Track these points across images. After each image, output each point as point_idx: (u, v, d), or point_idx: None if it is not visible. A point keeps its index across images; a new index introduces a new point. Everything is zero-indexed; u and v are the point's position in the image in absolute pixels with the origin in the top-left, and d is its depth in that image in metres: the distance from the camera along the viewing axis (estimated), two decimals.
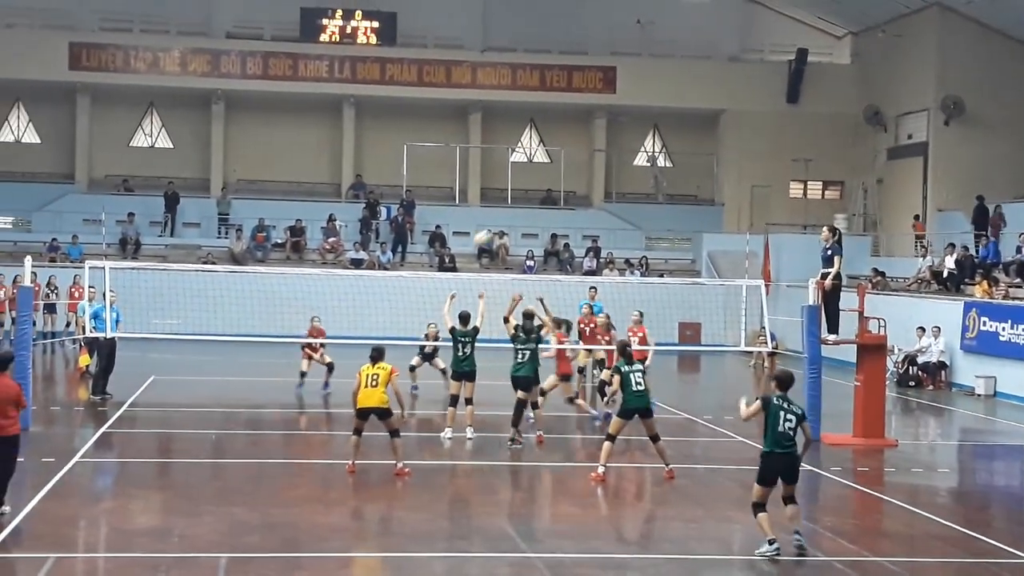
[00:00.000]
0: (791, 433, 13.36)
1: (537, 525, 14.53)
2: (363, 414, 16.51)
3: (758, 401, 13.66)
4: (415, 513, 14.94)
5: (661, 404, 24.70)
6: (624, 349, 17.68)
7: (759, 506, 13.37)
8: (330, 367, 25.41)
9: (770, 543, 13.18)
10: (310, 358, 25.62)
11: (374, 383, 16.38)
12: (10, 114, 44.55)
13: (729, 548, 14.16)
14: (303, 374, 25.59)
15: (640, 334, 23.23)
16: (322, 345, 25.75)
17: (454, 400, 20.04)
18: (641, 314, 23.79)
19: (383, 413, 16.45)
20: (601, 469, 17.07)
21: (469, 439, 19.81)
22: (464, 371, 19.95)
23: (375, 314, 29.35)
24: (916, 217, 41.31)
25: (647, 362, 21.74)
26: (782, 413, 13.38)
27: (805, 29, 47.43)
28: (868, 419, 21.21)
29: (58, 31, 43.01)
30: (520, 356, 19.82)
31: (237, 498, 15.31)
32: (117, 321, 23.78)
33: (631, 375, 17.05)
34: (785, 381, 13.74)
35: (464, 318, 20.08)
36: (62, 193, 43.05)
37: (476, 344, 19.88)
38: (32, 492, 15.00)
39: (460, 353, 19.97)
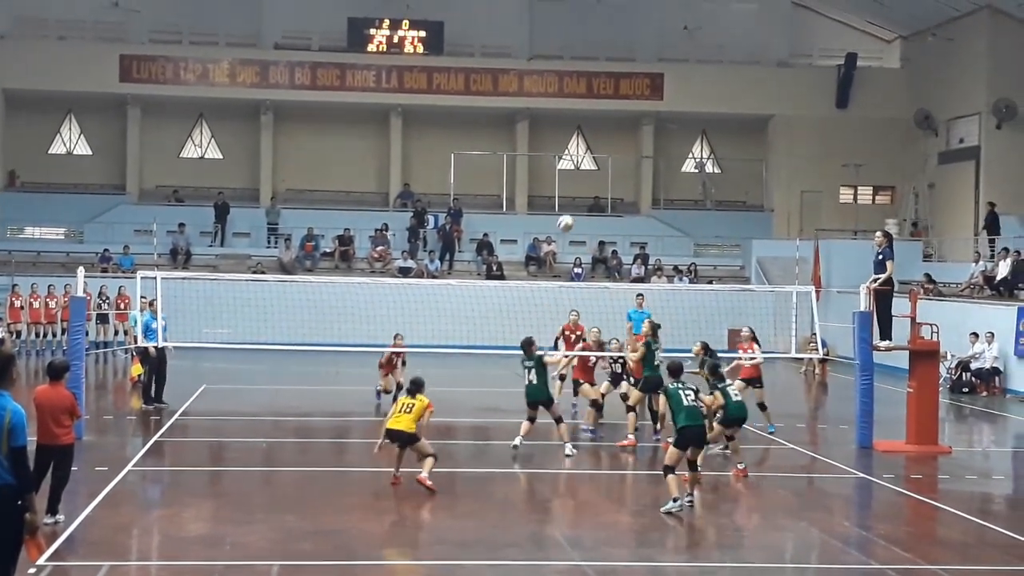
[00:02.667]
0: (696, 404, 15.52)
1: (587, 532, 14.47)
2: (390, 435, 16.48)
3: (661, 394, 15.87)
4: (465, 521, 14.93)
5: None
6: (715, 369, 18.16)
7: (670, 469, 15.15)
8: (399, 385, 23.70)
9: (674, 500, 15.09)
10: (387, 374, 24.39)
11: (407, 411, 16.34)
12: (62, 126, 45.10)
13: (781, 556, 14.05)
14: (381, 392, 24.56)
15: (750, 351, 22.68)
16: (403, 363, 24.37)
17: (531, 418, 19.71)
18: (752, 330, 23.18)
19: (408, 438, 16.32)
20: (741, 465, 17.68)
21: (568, 456, 19.25)
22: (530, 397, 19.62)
23: (423, 323, 29.39)
24: (915, 225, 41.50)
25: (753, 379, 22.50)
26: (681, 392, 15.51)
27: (854, 33, 47.17)
28: (921, 426, 20.98)
29: (109, 44, 43.47)
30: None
31: (288, 506, 15.35)
32: (164, 330, 23.81)
33: (727, 389, 17.79)
34: (675, 370, 15.96)
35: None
36: (113, 204, 43.48)
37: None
38: (86, 500, 15.11)
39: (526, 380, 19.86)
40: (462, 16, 44.52)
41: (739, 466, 17.79)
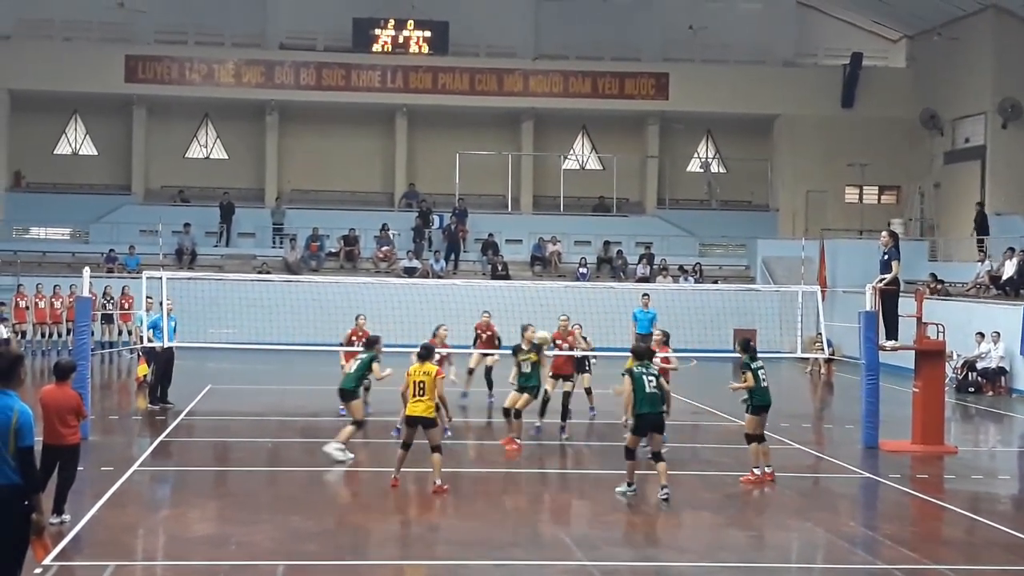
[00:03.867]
0: (657, 392, 15.96)
1: (592, 533, 14.46)
2: (410, 422, 16.45)
3: (625, 376, 16.15)
4: (469, 521, 14.94)
5: (716, 411, 24.64)
6: (747, 344, 17.92)
7: (631, 452, 16.07)
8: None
9: (629, 485, 16.06)
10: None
11: (421, 391, 16.26)
12: (68, 127, 45.16)
13: (787, 556, 14.04)
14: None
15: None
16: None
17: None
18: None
19: (428, 423, 16.29)
20: (758, 471, 17.44)
21: (340, 461, 18.40)
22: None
23: (428, 323, 29.34)
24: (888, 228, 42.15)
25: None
26: (644, 378, 15.92)
27: (859, 33, 47.14)
28: (927, 426, 20.95)
29: (114, 44, 43.52)
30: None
31: (293, 506, 15.35)
32: (174, 330, 23.83)
33: (759, 372, 17.43)
34: (640, 353, 16.39)
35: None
36: (119, 204, 43.52)
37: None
38: (92, 501, 15.13)
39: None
40: (467, 16, 44.53)
41: (767, 469, 17.53)
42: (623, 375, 16.21)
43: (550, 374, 21.23)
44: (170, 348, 23.73)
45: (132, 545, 13.79)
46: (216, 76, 43.90)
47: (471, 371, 24.66)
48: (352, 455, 18.54)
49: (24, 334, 35.12)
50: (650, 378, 16.00)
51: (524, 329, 20.49)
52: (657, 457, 16.07)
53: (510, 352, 20.74)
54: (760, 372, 17.45)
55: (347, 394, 18.84)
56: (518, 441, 19.91)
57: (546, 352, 20.61)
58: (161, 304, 23.70)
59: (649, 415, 15.94)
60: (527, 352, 20.13)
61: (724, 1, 46.47)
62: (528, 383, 20.01)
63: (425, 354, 16.59)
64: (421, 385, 16.21)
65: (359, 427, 18.60)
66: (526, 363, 20.07)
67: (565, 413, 21.26)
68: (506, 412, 20.14)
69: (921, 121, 43.69)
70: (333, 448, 18.40)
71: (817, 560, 14.01)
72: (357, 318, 23.92)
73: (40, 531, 9.21)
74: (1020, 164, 40.21)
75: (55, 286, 35.93)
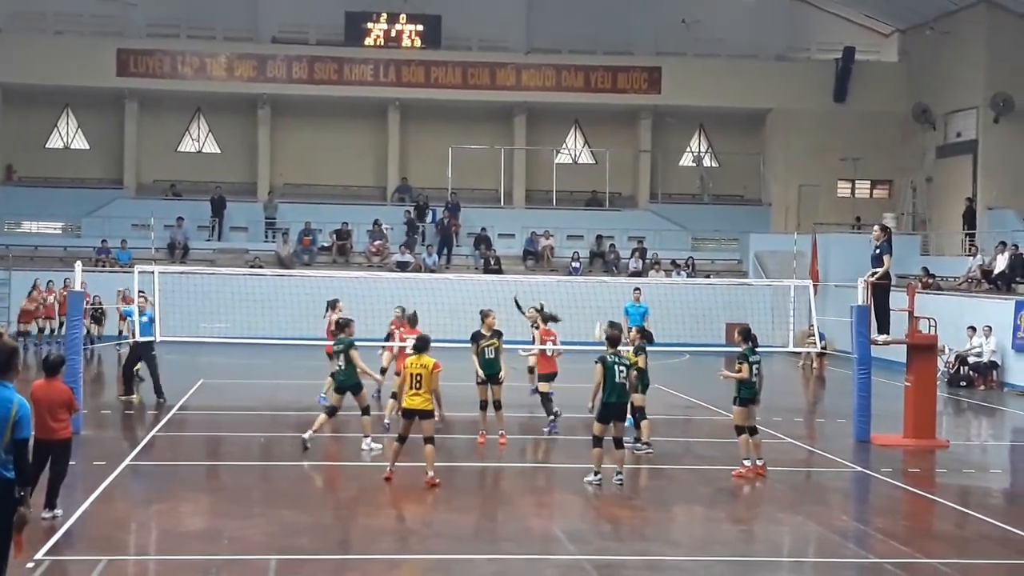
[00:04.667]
0: (625, 383, 16.27)
1: (584, 526, 14.48)
2: (407, 414, 16.45)
3: (599, 364, 16.22)
4: (462, 515, 14.94)
5: (708, 405, 24.67)
6: (748, 333, 17.86)
7: (598, 440, 16.34)
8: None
9: (595, 474, 16.39)
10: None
11: (418, 385, 16.23)
12: (59, 121, 45.07)
13: (779, 550, 14.06)
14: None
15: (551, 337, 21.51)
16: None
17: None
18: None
19: (425, 414, 16.29)
20: (748, 462, 17.46)
21: (365, 450, 18.82)
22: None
23: (421, 316, 29.31)
24: (859, 219, 42.30)
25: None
26: (616, 367, 16.21)
27: (852, 27, 47.15)
28: (919, 420, 21.00)
29: (106, 38, 43.42)
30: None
31: (286, 500, 15.34)
32: (148, 325, 23.35)
33: (753, 366, 17.40)
34: (613, 340, 16.62)
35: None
36: (111, 198, 43.49)
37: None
38: (83, 495, 15.12)
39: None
40: (460, 10, 44.48)
41: (759, 462, 17.55)
42: (596, 363, 16.31)
43: (536, 373, 21.47)
44: (147, 343, 23.47)
45: (124, 540, 13.76)
46: (208, 70, 43.84)
47: (383, 371, 22.73)
48: (379, 447, 18.77)
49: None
50: (621, 368, 16.28)
51: (484, 316, 20.18)
52: (618, 444, 16.50)
53: (468, 341, 20.32)
54: (756, 366, 17.43)
55: (353, 389, 18.74)
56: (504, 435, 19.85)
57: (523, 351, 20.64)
58: (136, 297, 23.56)
59: (615, 404, 16.32)
60: (489, 339, 19.93)
61: None
62: (491, 370, 19.82)
63: (422, 346, 16.55)
64: (418, 378, 16.19)
65: (366, 412, 18.92)
66: (489, 349, 19.86)
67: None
68: (483, 405, 19.95)
69: (913, 115, 43.73)
70: (368, 443, 18.79)
71: (809, 554, 14.03)
72: (336, 303, 23.72)
73: (21, 526, 9.11)
74: (1012, 158, 40.26)
75: (48, 281, 35.87)
